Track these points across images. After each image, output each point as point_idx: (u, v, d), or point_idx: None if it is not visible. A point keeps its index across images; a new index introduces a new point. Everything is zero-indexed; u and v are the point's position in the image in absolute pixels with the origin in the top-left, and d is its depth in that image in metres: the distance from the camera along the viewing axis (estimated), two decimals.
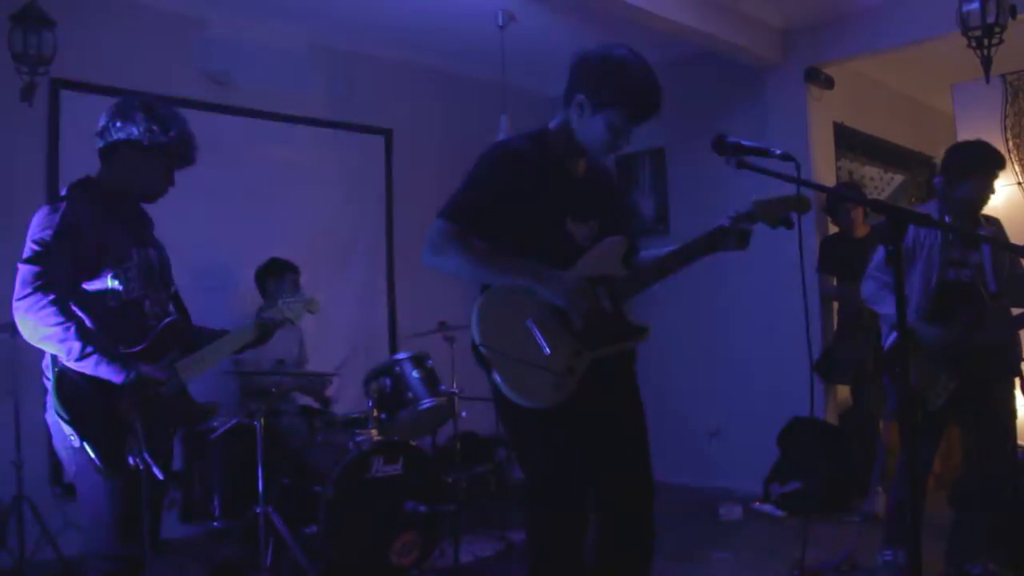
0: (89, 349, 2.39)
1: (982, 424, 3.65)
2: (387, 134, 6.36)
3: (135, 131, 2.59)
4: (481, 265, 2.47)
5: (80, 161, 2.59)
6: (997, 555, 3.82)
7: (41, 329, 2.39)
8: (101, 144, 2.65)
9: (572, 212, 2.55)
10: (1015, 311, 3.75)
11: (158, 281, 2.74)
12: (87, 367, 2.41)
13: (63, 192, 2.62)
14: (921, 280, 3.64)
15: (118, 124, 2.61)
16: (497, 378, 2.41)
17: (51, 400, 2.45)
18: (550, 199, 2.53)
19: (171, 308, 2.82)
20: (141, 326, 2.61)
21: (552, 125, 2.61)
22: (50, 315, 2.38)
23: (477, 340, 2.45)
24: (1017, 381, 3.59)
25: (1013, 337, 3.72)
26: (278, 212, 5.65)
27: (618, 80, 2.43)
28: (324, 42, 5.96)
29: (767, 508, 5.56)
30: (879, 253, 3.75)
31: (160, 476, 2.49)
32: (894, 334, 3.68)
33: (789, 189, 2.26)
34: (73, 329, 2.39)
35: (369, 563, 4.07)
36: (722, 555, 4.56)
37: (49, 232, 2.46)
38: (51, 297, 2.39)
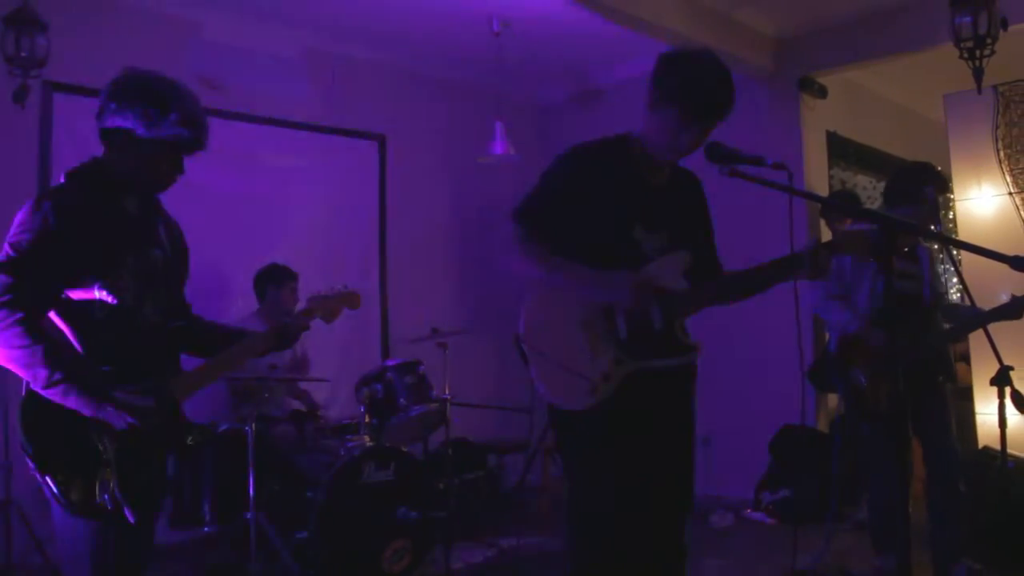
0: (57, 376, 2.11)
1: (925, 431, 3.79)
2: (381, 140, 6.36)
3: (130, 118, 2.30)
4: (546, 270, 2.45)
5: (72, 164, 2.47)
6: (979, 554, 3.88)
7: (4, 351, 2.12)
8: (99, 127, 2.36)
9: (643, 220, 2.49)
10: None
11: (161, 285, 2.44)
12: (54, 396, 2.13)
13: (61, 180, 2.35)
14: (869, 290, 3.73)
15: (113, 107, 2.31)
16: (533, 374, 2.43)
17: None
18: (621, 204, 2.49)
19: (177, 311, 2.58)
20: (134, 338, 2.33)
21: (636, 131, 2.55)
22: (15, 336, 2.10)
23: (520, 334, 2.46)
24: (1008, 391, 3.62)
25: (945, 347, 3.90)
26: (271, 217, 5.64)
27: (681, 77, 2.39)
28: (319, 47, 5.97)
29: (758, 515, 5.56)
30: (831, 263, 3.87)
31: (131, 520, 2.19)
32: (835, 338, 3.89)
33: (782, 197, 2.26)
34: (40, 353, 2.11)
35: (360, 569, 4.05)
36: (713, 562, 4.57)
37: (28, 236, 2.17)
38: (18, 316, 2.10)
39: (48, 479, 2.13)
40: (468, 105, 6.58)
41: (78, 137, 4.67)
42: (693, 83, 2.38)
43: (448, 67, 6.59)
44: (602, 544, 2.44)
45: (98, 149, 2.44)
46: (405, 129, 6.45)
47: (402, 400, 4.55)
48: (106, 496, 2.16)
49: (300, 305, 2.92)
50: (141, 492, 2.25)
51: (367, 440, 4.34)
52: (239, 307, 5.17)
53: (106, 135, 2.36)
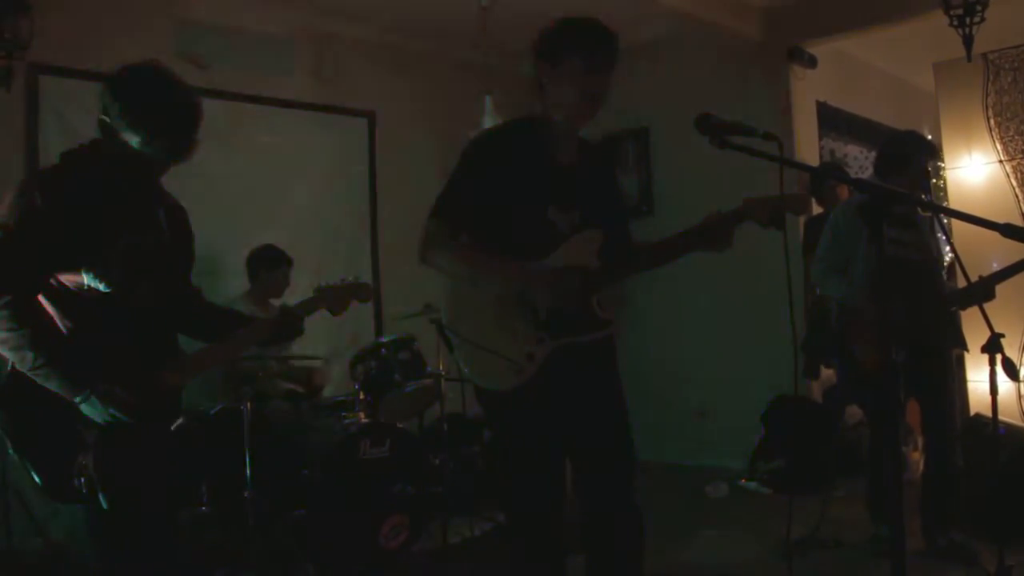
0: (40, 360, 2.14)
1: (928, 397, 3.83)
2: (371, 116, 6.33)
3: (113, 111, 2.27)
4: (469, 267, 2.50)
5: (60, 148, 2.46)
6: (969, 521, 3.92)
7: None
8: (100, 116, 2.32)
9: (555, 200, 2.52)
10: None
11: (158, 269, 2.41)
12: (37, 378, 2.16)
13: (57, 161, 2.34)
14: (865, 258, 3.72)
15: (113, 110, 2.28)
16: (459, 359, 2.49)
17: None
18: (532, 186, 2.51)
19: (180, 295, 2.56)
20: (123, 323, 2.32)
21: (537, 113, 2.61)
22: (3, 319, 2.12)
23: (444, 322, 2.53)
24: (999, 358, 3.64)
25: (952, 312, 3.87)
26: (262, 196, 5.62)
27: (561, 32, 2.48)
28: (306, 25, 5.92)
29: (753, 485, 5.60)
30: (826, 235, 3.86)
31: (104, 505, 2.18)
32: (835, 311, 3.89)
33: (772, 169, 2.25)
34: (27, 336, 2.13)
35: (358, 546, 4.08)
36: (708, 532, 4.60)
37: (15, 218, 2.17)
38: (6, 299, 2.13)
39: (26, 463, 2.18)
40: (457, 79, 6.54)
41: (65, 119, 4.64)
42: (575, 25, 2.48)
43: (437, 41, 6.55)
44: (536, 516, 2.51)
45: (84, 130, 2.43)
46: (395, 105, 6.41)
47: (397, 376, 4.56)
48: (82, 481, 2.17)
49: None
50: (130, 477, 2.26)
51: (362, 417, 4.35)
52: (230, 287, 5.15)
53: (102, 126, 2.33)
